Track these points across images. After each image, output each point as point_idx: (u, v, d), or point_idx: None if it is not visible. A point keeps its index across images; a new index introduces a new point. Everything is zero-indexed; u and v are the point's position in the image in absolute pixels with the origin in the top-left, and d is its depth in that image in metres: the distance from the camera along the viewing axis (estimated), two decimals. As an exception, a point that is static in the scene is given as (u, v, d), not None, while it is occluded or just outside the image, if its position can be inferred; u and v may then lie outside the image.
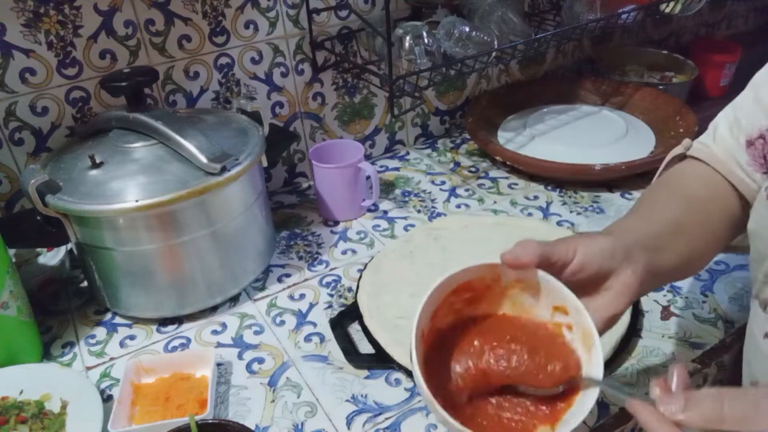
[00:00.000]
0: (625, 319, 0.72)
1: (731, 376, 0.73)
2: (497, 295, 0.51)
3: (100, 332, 0.79)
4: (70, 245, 0.77)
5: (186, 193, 0.70)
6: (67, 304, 0.84)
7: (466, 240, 0.88)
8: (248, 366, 0.73)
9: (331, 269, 0.88)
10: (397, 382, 0.69)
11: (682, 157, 0.66)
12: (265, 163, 0.83)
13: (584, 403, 0.45)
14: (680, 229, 0.57)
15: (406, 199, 1.03)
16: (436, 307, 0.49)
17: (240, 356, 0.74)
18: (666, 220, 0.57)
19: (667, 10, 1.14)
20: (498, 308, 0.52)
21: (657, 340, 0.72)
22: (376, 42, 1.03)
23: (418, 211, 1.00)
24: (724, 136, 0.62)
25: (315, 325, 0.78)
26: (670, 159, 0.67)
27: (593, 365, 0.46)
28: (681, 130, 1.09)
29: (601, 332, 0.48)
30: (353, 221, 0.98)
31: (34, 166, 0.76)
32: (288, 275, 0.87)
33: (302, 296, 0.83)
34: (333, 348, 0.74)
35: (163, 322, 0.80)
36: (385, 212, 1.00)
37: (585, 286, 0.50)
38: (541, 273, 0.48)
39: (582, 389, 0.46)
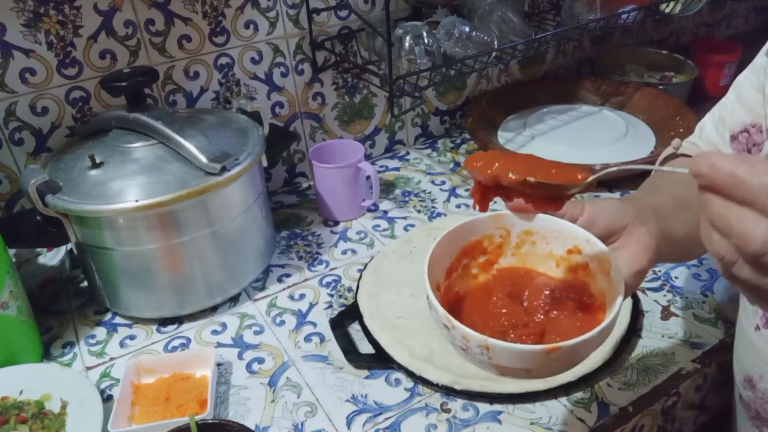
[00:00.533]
0: (625, 320, 0.72)
1: (726, 376, 0.73)
2: (510, 254, 0.52)
3: (100, 332, 0.79)
4: (70, 245, 0.77)
5: (186, 193, 0.70)
6: (67, 304, 0.84)
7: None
8: (248, 366, 0.73)
9: (331, 269, 0.88)
10: (397, 382, 0.69)
11: (672, 157, 0.69)
12: (265, 163, 0.83)
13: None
14: (684, 201, 0.58)
15: (406, 199, 1.03)
16: (450, 265, 0.51)
17: (240, 356, 0.74)
18: (670, 195, 0.59)
19: (667, 10, 1.14)
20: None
21: (657, 340, 0.72)
22: (376, 42, 1.03)
23: (418, 211, 1.00)
24: (710, 134, 0.66)
25: (315, 325, 0.78)
26: (662, 159, 0.69)
27: (614, 284, 0.46)
28: (681, 130, 1.09)
29: (631, 288, 0.48)
30: (353, 221, 0.98)
31: (34, 166, 0.76)
32: (288, 275, 0.87)
33: (302, 296, 0.83)
34: (333, 348, 0.74)
35: (163, 322, 0.80)
36: (385, 212, 1.00)
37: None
38: (546, 216, 0.50)
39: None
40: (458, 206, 1.01)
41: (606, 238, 0.50)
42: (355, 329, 0.76)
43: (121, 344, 0.77)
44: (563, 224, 0.50)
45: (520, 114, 1.23)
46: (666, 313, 0.76)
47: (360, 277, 0.83)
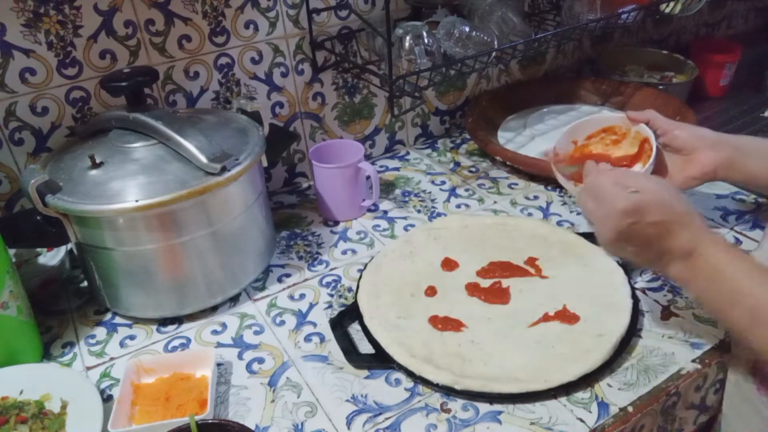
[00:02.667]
0: (625, 319, 0.72)
1: (725, 376, 0.73)
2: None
3: (100, 332, 0.79)
4: (70, 245, 0.77)
5: (186, 193, 0.70)
6: (67, 304, 0.84)
7: (466, 240, 0.88)
8: (248, 366, 0.73)
9: (331, 269, 0.88)
10: (397, 382, 0.69)
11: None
12: (265, 163, 0.83)
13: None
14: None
15: (406, 199, 1.03)
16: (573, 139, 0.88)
17: (240, 356, 0.74)
18: (757, 140, 0.79)
19: (667, 10, 1.14)
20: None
21: (657, 340, 0.72)
22: (376, 42, 1.03)
23: (418, 211, 1.00)
24: None
25: (315, 325, 0.78)
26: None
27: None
28: (681, 130, 1.09)
29: (683, 186, 0.79)
30: (353, 221, 0.98)
31: (34, 166, 0.76)
32: (288, 275, 0.87)
33: (302, 296, 0.83)
34: (333, 348, 0.74)
35: (163, 322, 0.80)
36: (385, 212, 1.00)
37: (678, 151, 0.80)
38: (643, 126, 0.83)
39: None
40: (458, 206, 1.01)
41: (680, 149, 0.79)
42: (355, 329, 0.76)
43: (121, 344, 0.77)
44: (648, 131, 0.82)
45: (520, 114, 1.23)
46: (666, 313, 0.76)
47: (360, 277, 0.83)
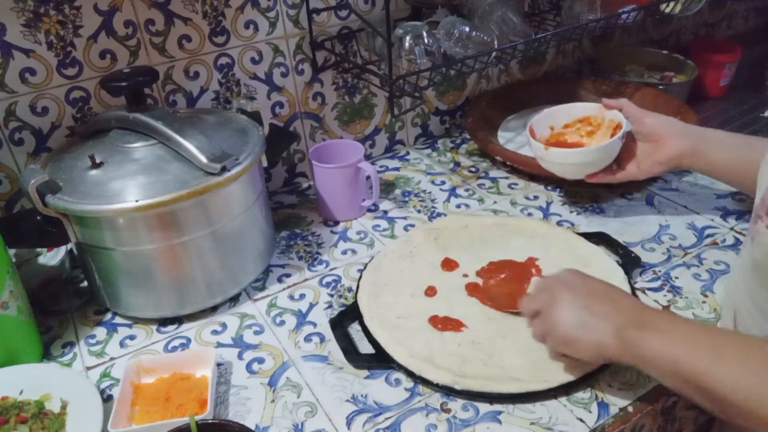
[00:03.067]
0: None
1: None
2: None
3: (100, 332, 0.79)
4: (70, 245, 0.77)
5: (186, 193, 0.70)
6: (67, 304, 0.84)
7: (466, 240, 0.88)
8: (248, 366, 0.73)
9: (331, 269, 0.88)
10: (397, 382, 0.69)
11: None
12: (265, 163, 0.83)
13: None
14: (734, 138, 0.82)
15: (406, 199, 1.03)
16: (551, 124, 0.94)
17: (240, 356, 0.74)
18: (725, 134, 0.83)
19: (667, 10, 1.14)
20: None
21: (657, 340, 0.72)
22: (376, 42, 1.03)
23: (418, 211, 1.00)
24: None
25: (315, 325, 0.78)
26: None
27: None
28: (681, 130, 1.09)
29: (650, 170, 0.87)
30: (353, 221, 0.98)
31: (34, 166, 0.76)
32: (288, 275, 0.87)
33: (302, 296, 0.83)
34: (333, 348, 0.74)
35: (163, 322, 0.80)
36: (385, 212, 1.00)
37: (646, 137, 0.86)
38: (615, 111, 0.89)
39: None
40: (458, 206, 1.01)
41: (648, 136, 0.85)
42: (355, 329, 0.76)
43: (121, 344, 0.77)
44: (621, 117, 0.87)
45: (520, 114, 1.23)
46: (666, 313, 0.76)
47: (360, 277, 0.83)
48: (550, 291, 0.66)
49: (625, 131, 0.85)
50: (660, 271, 0.83)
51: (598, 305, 0.62)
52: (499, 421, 0.64)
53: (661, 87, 1.24)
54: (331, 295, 0.83)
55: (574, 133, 0.95)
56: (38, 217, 0.72)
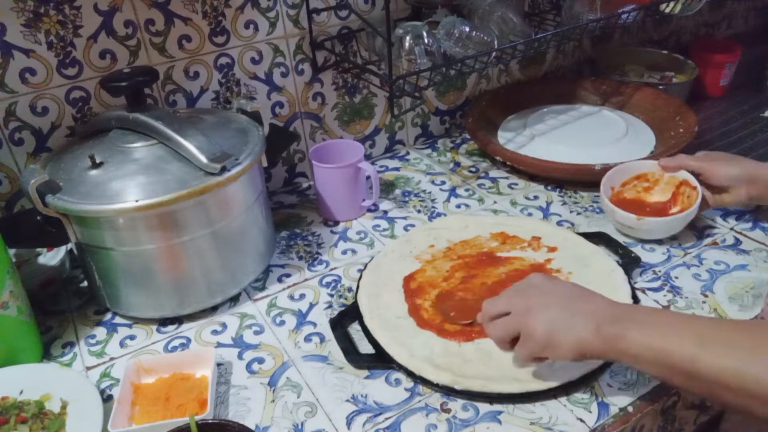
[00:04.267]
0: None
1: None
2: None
3: (100, 332, 0.79)
4: (70, 245, 0.77)
5: (186, 193, 0.70)
6: (67, 304, 0.84)
7: (466, 240, 0.88)
8: (248, 366, 0.73)
9: (331, 269, 0.88)
10: (397, 382, 0.69)
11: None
12: (265, 163, 0.83)
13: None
14: None
15: (406, 199, 1.03)
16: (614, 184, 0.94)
17: (240, 356, 0.74)
18: None
19: (667, 10, 1.14)
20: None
21: (657, 340, 0.72)
22: (376, 42, 1.03)
23: (418, 211, 1.00)
24: None
25: (315, 325, 0.78)
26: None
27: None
28: (681, 130, 1.09)
29: (714, 205, 0.88)
30: (353, 221, 0.98)
31: (34, 166, 0.76)
32: (288, 275, 0.87)
33: (302, 296, 0.83)
34: (333, 348, 0.74)
35: (163, 322, 0.80)
36: (385, 212, 1.00)
37: (715, 188, 0.86)
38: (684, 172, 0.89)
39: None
40: (458, 206, 1.01)
41: (720, 188, 0.86)
42: (355, 329, 0.76)
43: (121, 344, 0.77)
44: (688, 176, 0.89)
45: (520, 114, 1.23)
46: (666, 313, 0.76)
47: (360, 277, 0.83)
48: (523, 296, 0.65)
49: (701, 197, 0.85)
50: (660, 271, 0.83)
51: (576, 305, 0.62)
52: (499, 421, 0.64)
53: (661, 87, 1.24)
54: (331, 295, 0.83)
55: (631, 189, 0.94)
56: (38, 217, 0.72)
